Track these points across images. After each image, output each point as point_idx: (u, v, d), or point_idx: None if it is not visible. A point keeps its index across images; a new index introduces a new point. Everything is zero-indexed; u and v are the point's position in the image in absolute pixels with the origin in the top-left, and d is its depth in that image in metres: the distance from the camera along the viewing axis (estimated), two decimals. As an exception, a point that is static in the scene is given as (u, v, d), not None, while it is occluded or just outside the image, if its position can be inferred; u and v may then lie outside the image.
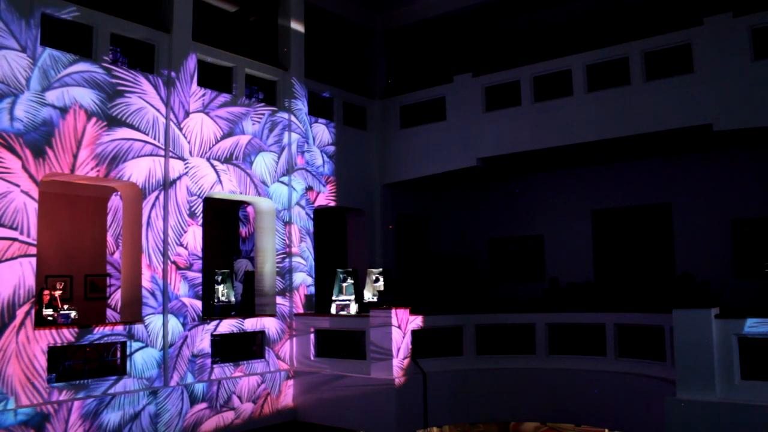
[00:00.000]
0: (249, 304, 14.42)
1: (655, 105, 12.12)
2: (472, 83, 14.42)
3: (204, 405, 11.43)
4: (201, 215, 11.91)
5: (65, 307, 11.56)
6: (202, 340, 11.62)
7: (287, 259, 13.50)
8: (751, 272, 12.88)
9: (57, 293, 11.68)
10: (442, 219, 17.08)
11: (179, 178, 11.52)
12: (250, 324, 12.57)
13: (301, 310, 13.58)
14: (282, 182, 13.56)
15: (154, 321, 10.95)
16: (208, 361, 11.69)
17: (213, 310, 13.46)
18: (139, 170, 10.93)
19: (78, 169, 10.09)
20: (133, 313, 10.90)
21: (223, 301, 13.78)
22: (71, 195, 13.42)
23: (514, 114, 13.73)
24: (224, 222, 16.39)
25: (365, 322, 12.25)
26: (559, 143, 13.17)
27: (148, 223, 11.02)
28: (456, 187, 16.79)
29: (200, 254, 11.81)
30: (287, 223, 13.55)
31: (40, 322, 10.42)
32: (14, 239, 9.20)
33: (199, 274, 11.80)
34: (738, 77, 11.38)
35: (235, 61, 12.81)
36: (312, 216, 14.15)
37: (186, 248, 11.54)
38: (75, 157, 10.06)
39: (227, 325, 12.14)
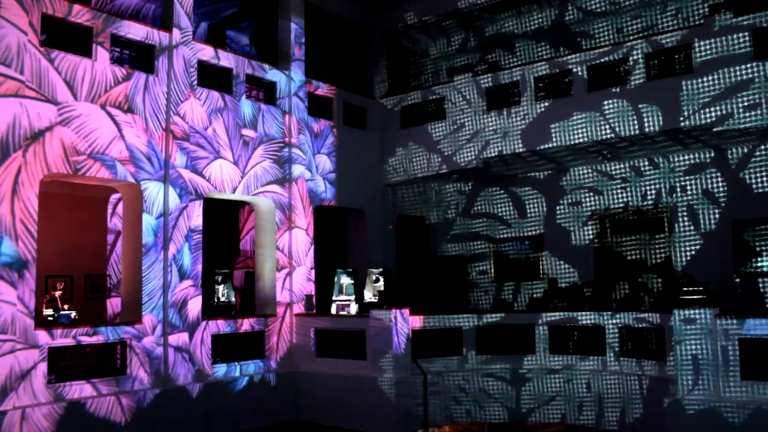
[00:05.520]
0: (249, 304, 14.43)
1: (655, 105, 12.13)
2: (472, 83, 14.42)
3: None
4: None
5: (65, 307, 11.54)
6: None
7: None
8: (751, 272, 12.87)
9: (57, 293, 11.66)
10: (442, 219, 17.05)
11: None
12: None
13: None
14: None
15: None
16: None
17: (213, 312, 13.40)
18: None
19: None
20: (133, 313, 10.89)
21: (223, 302, 13.74)
22: (71, 195, 13.39)
23: (514, 114, 13.73)
24: (224, 222, 16.38)
25: (365, 322, 12.26)
26: (559, 143, 13.17)
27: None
28: (456, 187, 16.76)
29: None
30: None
31: (40, 322, 10.39)
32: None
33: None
34: (737, 77, 11.39)
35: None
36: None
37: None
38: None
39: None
